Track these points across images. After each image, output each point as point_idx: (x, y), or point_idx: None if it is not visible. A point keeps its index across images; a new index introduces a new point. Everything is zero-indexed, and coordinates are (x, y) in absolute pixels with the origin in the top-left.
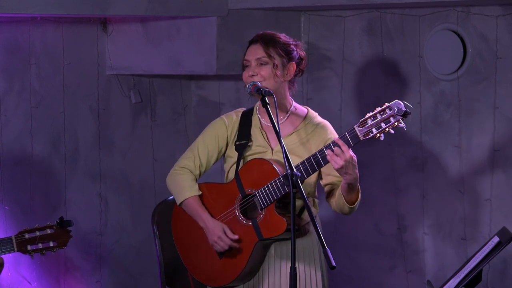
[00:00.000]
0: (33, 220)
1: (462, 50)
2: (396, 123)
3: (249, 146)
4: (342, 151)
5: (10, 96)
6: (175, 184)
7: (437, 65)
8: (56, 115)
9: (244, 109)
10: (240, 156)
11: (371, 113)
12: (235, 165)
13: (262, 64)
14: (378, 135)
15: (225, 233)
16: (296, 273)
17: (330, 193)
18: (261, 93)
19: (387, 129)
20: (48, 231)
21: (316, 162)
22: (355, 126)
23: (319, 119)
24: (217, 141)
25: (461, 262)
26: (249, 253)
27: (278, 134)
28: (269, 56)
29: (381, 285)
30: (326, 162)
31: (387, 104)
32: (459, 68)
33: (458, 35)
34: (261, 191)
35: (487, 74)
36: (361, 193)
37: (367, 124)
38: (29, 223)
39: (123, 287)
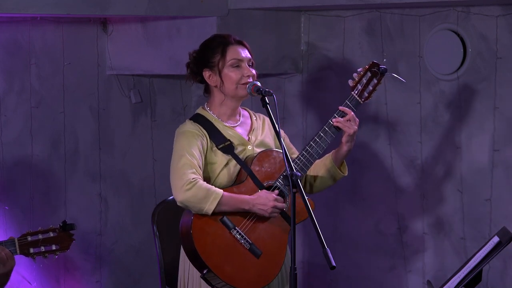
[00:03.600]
0: (33, 220)
1: (462, 50)
2: (378, 82)
3: (234, 146)
4: (354, 117)
5: (10, 96)
6: (202, 191)
7: (437, 65)
8: (56, 115)
9: (189, 119)
10: (236, 156)
11: (356, 80)
12: (226, 168)
13: (250, 66)
14: (370, 97)
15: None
16: (296, 273)
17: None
18: (261, 93)
19: (374, 90)
20: (51, 234)
21: (326, 136)
22: (352, 93)
23: (257, 113)
24: (201, 149)
25: (461, 262)
26: (286, 243)
27: (278, 134)
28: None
29: (380, 285)
30: (336, 133)
31: (366, 66)
32: (459, 68)
33: (458, 35)
34: (281, 179)
35: (487, 74)
36: (361, 192)
37: (358, 89)
38: (29, 223)
39: (123, 287)
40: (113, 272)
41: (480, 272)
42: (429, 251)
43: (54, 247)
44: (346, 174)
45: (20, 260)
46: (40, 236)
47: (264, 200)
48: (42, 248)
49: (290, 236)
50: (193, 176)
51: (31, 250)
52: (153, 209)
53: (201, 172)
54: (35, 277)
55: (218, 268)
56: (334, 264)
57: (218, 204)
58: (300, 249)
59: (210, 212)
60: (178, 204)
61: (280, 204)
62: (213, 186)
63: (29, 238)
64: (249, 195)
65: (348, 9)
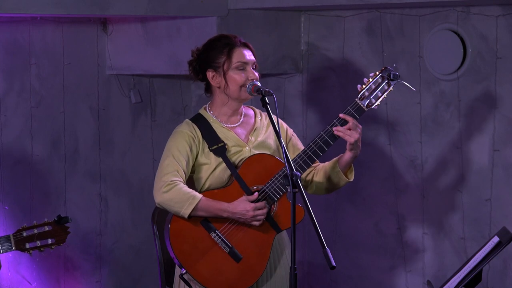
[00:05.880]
0: (33, 220)
1: (462, 50)
2: (389, 89)
3: (227, 148)
4: (356, 124)
5: (10, 96)
6: (179, 194)
7: (437, 65)
8: (56, 115)
9: (187, 119)
10: (226, 159)
11: (365, 85)
12: (216, 170)
13: (253, 68)
14: (377, 104)
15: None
16: (296, 273)
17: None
18: (261, 93)
19: (383, 97)
20: (46, 228)
21: (323, 143)
22: (356, 99)
23: (263, 112)
24: (189, 152)
25: (461, 262)
26: (269, 249)
27: (278, 134)
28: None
29: (380, 284)
30: (334, 141)
31: (377, 72)
32: (459, 68)
33: (458, 35)
34: (270, 184)
35: (487, 74)
36: (361, 192)
37: (365, 95)
38: (29, 224)
39: (123, 287)
40: (113, 272)
41: (480, 272)
42: (429, 251)
43: (50, 241)
44: (351, 180)
45: (20, 260)
46: (35, 231)
47: (242, 209)
48: (38, 243)
49: (291, 236)
50: (173, 178)
51: (27, 245)
52: (153, 209)
53: (184, 175)
54: (35, 277)
55: (195, 270)
56: (334, 264)
57: (194, 209)
58: (300, 249)
59: (186, 216)
60: (156, 205)
61: (260, 212)
62: (193, 191)
63: (24, 233)
64: (234, 199)
65: (348, 9)
